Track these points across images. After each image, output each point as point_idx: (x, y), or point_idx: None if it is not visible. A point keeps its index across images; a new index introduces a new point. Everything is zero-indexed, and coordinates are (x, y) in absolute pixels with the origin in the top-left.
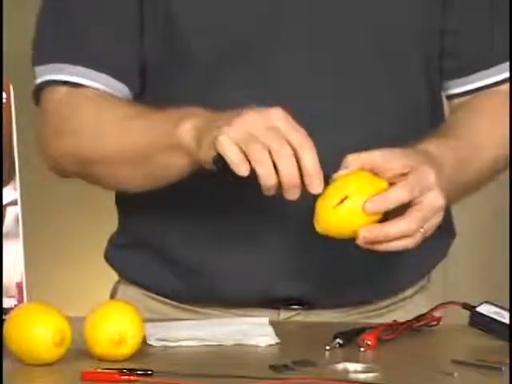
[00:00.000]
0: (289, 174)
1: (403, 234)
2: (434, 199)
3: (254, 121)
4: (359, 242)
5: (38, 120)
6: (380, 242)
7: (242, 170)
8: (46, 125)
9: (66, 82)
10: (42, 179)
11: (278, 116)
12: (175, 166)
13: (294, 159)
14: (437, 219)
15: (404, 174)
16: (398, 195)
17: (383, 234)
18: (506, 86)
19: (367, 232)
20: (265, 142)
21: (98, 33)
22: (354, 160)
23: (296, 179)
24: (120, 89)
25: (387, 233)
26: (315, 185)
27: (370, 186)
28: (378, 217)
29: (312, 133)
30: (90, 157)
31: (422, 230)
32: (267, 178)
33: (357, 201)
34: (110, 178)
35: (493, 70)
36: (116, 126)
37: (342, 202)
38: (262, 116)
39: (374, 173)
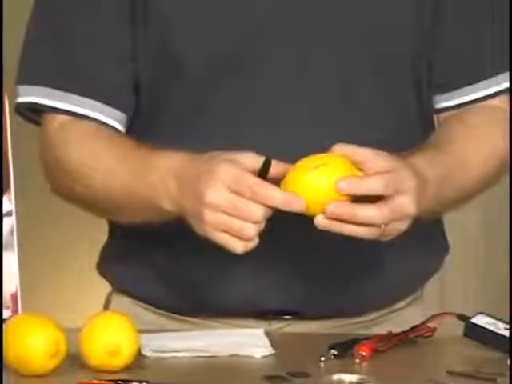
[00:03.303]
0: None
1: (368, 221)
2: (406, 204)
3: (223, 191)
4: (323, 217)
5: (39, 143)
6: (341, 222)
7: (238, 248)
8: (45, 156)
9: (60, 110)
10: (38, 191)
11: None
12: (162, 219)
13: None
14: (402, 225)
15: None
16: (372, 184)
17: (350, 214)
18: (496, 100)
19: (336, 207)
20: (241, 216)
21: (94, 59)
22: (340, 147)
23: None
24: (117, 117)
25: (355, 214)
26: (298, 206)
27: (347, 170)
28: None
29: (304, 132)
30: (83, 200)
31: (382, 226)
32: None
33: (331, 175)
34: (102, 216)
35: (482, 84)
36: (104, 176)
37: (317, 167)
38: (231, 177)
39: (357, 166)
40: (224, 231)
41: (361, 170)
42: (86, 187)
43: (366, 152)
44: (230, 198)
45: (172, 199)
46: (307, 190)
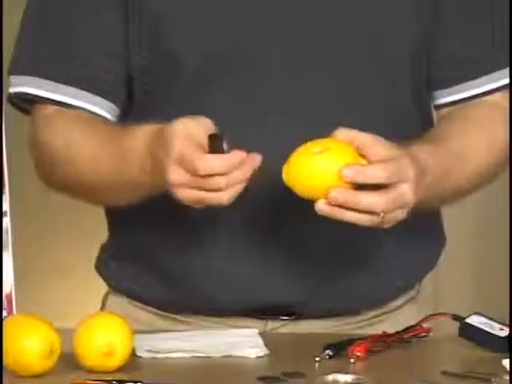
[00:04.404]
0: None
1: (369, 208)
2: (406, 192)
3: (180, 171)
4: (324, 202)
5: (29, 131)
6: (342, 209)
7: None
8: (33, 143)
9: (52, 100)
10: (33, 191)
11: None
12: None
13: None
14: (400, 214)
15: (385, 162)
16: (376, 173)
17: (353, 200)
18: (495, 97)
19: (339, 192)
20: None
21: (86, 51)
22: (344, 132)
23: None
24: (107, 107)
25: (357, 200)
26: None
27: (350, 155)
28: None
29: (302, 132)
30: (71, 187)
31: (382, 214)
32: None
33: (334, 161)
34: (93, 202)
35: (480, 80)
36: (88, 161)
37: (321, 152)
38: (179, 158)
39: (358, 152)
40: (200, 199)
41: (362, 155)
42: (70, 173)
43: (367, 137)
44: (189, 178)
45: (152, 179)
46: (310, 175)
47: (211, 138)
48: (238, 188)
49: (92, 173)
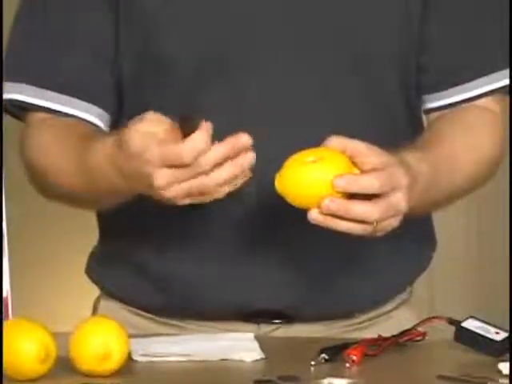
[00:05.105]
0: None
1: (362, 217)
2: (399, 200)
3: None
4: (318, 211)
5: (19, 138)
6: (335, 218)
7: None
8: (20, 150)
9: (41, 107)
10: (28, 195)
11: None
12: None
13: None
14: (394, 222)
15: (378, 171)
16: (368, 182)
17: (346, 210)
18: (485, 100)
19: (332, 202)
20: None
21: (76, 57)
22: (336, 140)
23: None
24: (95, 113)
25: (350, 209)
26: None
27: (343, 165)
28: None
29: (291, 132)
30: (50, 193)
31: (375, 223)
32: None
33: (328, 170)
34: (79, 207)
35: (471, 84)
36: (57, 171)
37: (314, 161)
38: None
39: (351, 160)
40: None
41: (355, 163)
42: (49, 182)
43: (359, 146)
44: (177, 173)
45: (126, 188)
46: (303, 184)
47: (182, 120)
48: (233, 178)
49: (64, 184)
